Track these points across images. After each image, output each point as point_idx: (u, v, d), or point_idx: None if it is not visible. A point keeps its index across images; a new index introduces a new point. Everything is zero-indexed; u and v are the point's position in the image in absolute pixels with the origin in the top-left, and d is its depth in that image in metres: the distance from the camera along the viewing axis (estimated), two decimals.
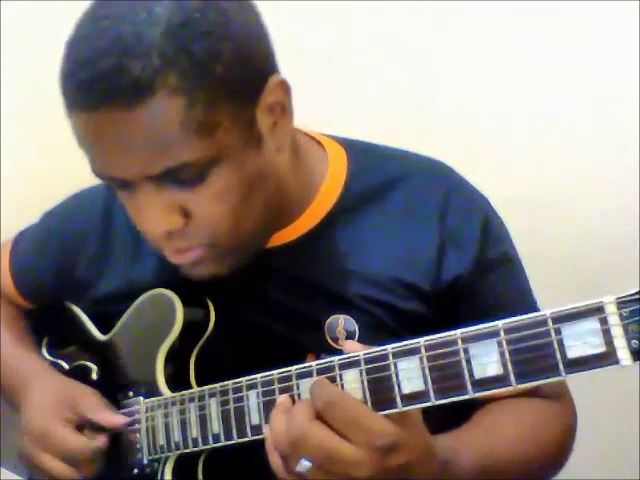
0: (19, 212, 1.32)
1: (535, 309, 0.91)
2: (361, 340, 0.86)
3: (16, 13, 1.39)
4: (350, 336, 0.87)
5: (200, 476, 0.87)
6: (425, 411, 0.70)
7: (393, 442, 0.64)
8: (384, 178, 0.91)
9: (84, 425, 0.92)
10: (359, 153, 0.94)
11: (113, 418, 0.92)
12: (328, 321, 0.88)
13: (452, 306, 0.89)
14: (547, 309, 0.57)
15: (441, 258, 0.87)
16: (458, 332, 0.62)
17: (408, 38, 1.45)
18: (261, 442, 0.77)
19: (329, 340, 0.88)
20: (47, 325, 1.13)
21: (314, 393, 0.67)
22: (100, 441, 0.91)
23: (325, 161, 0.92)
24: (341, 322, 0.88)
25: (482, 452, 0.80)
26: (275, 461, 0.70)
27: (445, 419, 0.82)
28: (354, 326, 0.87)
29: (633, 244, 1.19)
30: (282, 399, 0.72)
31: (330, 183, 0.91)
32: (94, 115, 0.70)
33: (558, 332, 0.55)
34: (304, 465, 0.65)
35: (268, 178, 0.81)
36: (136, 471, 0.92)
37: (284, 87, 0.78)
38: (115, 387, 0.97)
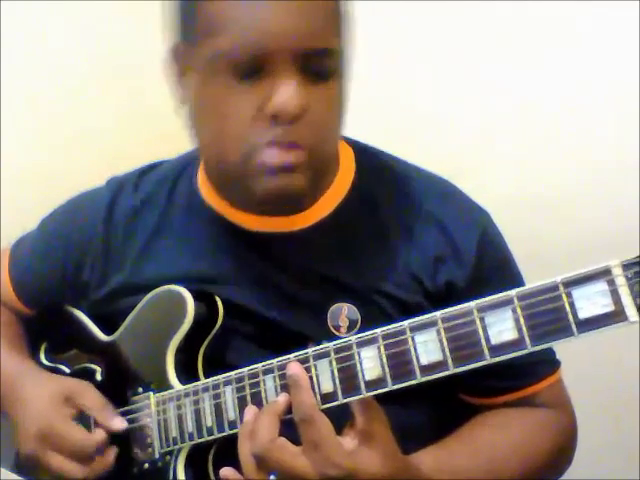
0: (19, 213, 1.34)
1: None
2: (362, 329, 0.88)
3: (17, 13, 1.40)
4: (352, 324, 0.91)
5: (211, 470, 0.89)
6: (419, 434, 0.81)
7: (347, 474, 0.73)
8: (388, 184, 0.97)
9: (86, 419, 0.94)
10: (366, 155, 0.99)
11: (114, 422, 0.93)
12: (332, 309, 0.92)
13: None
14: None
15: (438, 261, 0.92)
16: (473, 303, 0.66)
17: (407, 39, 1.47)
18: None
19: (331, 328, 0.91)
20: (45, 331, 1.13)
21: (295, 403, 0.75)
22: (116, 424, 0.93)
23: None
24: (344, 310, 0.91)
25: (464, 472, 0.85)
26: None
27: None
28: (357, 315, 0.91)
29: (633, 245, 1.23)
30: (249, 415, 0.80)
31: (341, 179, 0.96)
32: None
33: (569, 295, 0.60)
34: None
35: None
36: (147, 466, 0.93)
37: None
38: (123, 385, 0.98)
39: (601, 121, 1.33)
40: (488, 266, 0.93)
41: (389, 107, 1.44)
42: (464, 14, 1.47)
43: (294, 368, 0.77)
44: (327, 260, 0.93)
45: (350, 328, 0.91)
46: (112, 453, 0.93)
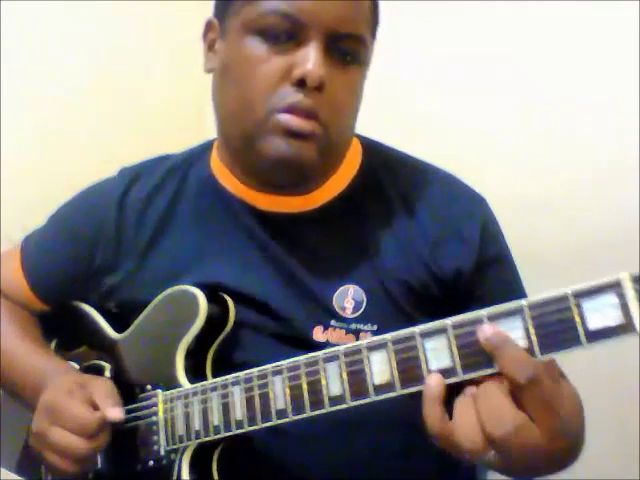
0: (19, 213, 1.34)
1: None
2: (367, 310, 0.93)
3: (17, 13, 1.41)
4: (358, 306, 0.94)
5: (215, 469, 0.90)
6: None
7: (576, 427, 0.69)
8: (393, 172, 1.01)
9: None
10: (371, 146, 1.04)
11: (111, 411, 0.91)
12: (338, 290, 0.94)
13: (454, 296, 0.96)
14: None
15: (442, 246, 0.95)
16: (484, 311, 0.67)
17: (407, 39, 1.49)
18: (276, 438, 0.86)
19: (336, 309, 0.94)
20: (56, 328, 1.15)
21: (512, 365, 0.64)
22: (111, 413, 0.90)
23: None
24: (350, 292, 0.94)
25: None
26: (434, 415, 0.68)
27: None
28: (362, 296, 0.94)
29: (633, 245, 1.21)
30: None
31: (348, 164, 1.00)
32: None
33: (579, 306, 0.61)
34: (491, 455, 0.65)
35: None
36: (152, 463, 0.94)
37: None
38: (132, 382, 0.99)
39: (601, 121, 1.33)
40: (490, 252, 0.97)
41: (389, 107, 1.45)
42: (464, 14, 1.47)
43: (489, 330, 0.66)
44: (335, 241, 0.96)
45: (355, 309, 0.93)
46: (109, 432, 0.91)
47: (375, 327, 0.93)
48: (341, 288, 0.94)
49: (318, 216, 0.98)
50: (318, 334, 0.93)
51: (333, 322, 0.93)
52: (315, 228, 0.97)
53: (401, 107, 1.50)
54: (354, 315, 0.93)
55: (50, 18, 1.47)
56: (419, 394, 0.70)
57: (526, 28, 1.41)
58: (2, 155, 1.40)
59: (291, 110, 0.86)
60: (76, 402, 0.90)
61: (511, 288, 0.99)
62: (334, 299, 0.94)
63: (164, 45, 1.64)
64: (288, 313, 0.95)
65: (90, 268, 1.06)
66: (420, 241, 0.96)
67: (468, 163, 1.36)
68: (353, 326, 0.93)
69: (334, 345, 0.88)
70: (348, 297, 0.93)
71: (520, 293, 1.00)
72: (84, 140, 1.54)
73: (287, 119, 0.86)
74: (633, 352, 1.26)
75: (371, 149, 1.03)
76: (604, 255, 1.28)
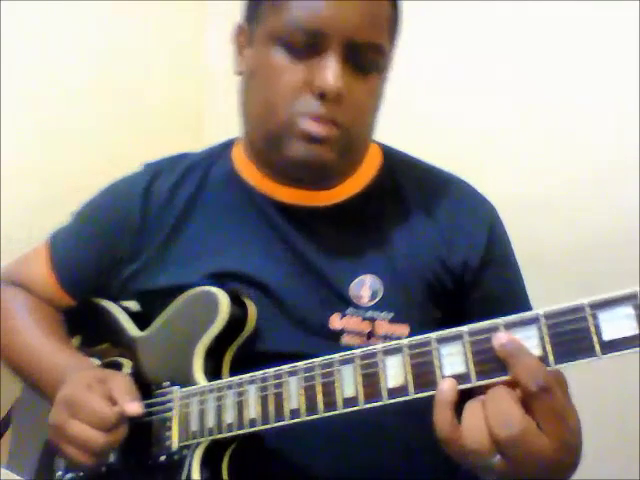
0: (19, 213, 1.34)
1: (528, 305, 1.02)
2: (384, 299, 0.96)
3: (17, 13, 1.40)
4: (374, 295, 0.96)
5: (224, 468, 0.91)
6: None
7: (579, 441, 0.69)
8: (410, 174, 1.05)
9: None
10: (391, 151, 1.09)
11: (130, 406, 0.90)
12: (355, 280, 0.97)
13: (462, 290, 0.99)
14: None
15: (453, 243, 0.99)
16: (500, 319, 0.68)
17: (407, 39, 1.46)
18: (286, 439, 0.86)
19: (352, 298, 0.96)
20: (80, 324, 1.15)
21: (529, 375, 0.65)
22: (130, 407, 0.90)
23: None
24: (368, 281, 0.97)
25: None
26: (444, 419, 0.69)
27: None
28: (378, 285, 0.97)
29: (633, 245, 1.24)
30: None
31: (368, 165, 1.05)
32: None
33: (595, 317, 0.62)
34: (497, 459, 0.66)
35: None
36: (163, 458, 0.94)
37: None
38: (150, 379, 1.00)
39: (601, 121, 1.35)
40: (494, 252, 1.00)
41: (389, 107, 1.45)
42: (464, 14, 1.48)
43: (504, 337, 0.67)
44: (353, 235, 1.00)
45: (372, 298, 0.96)
46: (127, 426, 0.91)
47: (391, 315, 0.95)
48: (358, 278, 0.97)
49: (338, 211, 1.01)
50: (335, 322, 0.95)
51: (349, 310, 0.96)
52: (335, 222, 1.01)
53: (401, 107, 1.49)
54: (370, 303, 0.96)
55: (50, 18, 1.47)
56: (430, 397, 0.71)
57: (526, 28, 1.42)
58: (2, 155, 1.40)
59: (312, 118, 0.90)
60: (95, 396, 0.90)
61: (512, 288, 1.03)
62: (350, 288, 0.96)
63: (164, 45, 1.65)
64: (306, 301, 0.97)
65: (114, 259, 1.08)
66: (435, 238, 0.99)
67: (468, 163, 1.37)
68: (369, 314, 0.96)
69: (351, 332, 0.94)
70: (365, 286, 0.96)
71: (521, 294, 1.03)
72: (84, 140, 1.54)
73: (308, 125, 0.90)
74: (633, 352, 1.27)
75: (390, 154, 1.08)
76: (604, 255, 1.30)
